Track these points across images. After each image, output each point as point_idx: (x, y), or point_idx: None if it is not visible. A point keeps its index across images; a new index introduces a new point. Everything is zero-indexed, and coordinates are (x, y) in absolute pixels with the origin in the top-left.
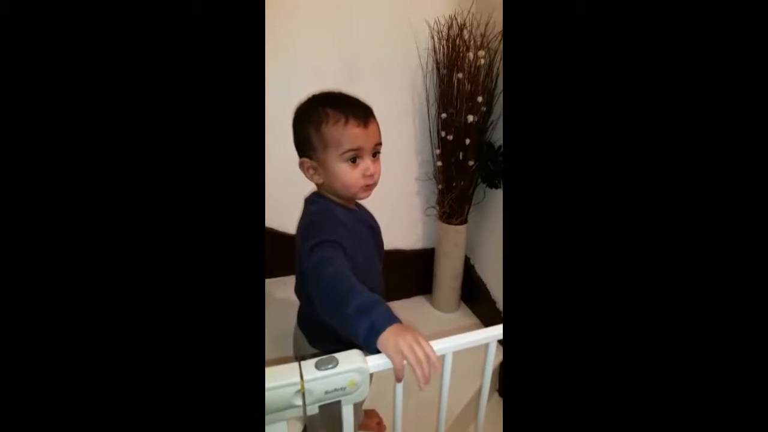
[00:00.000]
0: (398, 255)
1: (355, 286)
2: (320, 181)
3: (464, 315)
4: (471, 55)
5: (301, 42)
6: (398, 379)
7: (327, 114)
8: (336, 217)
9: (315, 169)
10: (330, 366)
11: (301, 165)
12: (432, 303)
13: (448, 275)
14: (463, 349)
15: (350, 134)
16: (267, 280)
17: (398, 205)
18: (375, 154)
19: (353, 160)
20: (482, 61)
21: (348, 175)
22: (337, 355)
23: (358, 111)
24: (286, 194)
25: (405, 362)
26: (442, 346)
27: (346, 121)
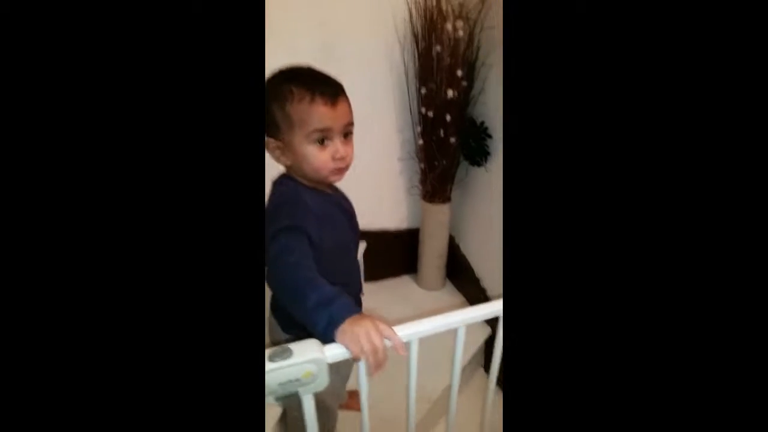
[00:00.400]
0: (383, 235)
1: (314, 279)
2: (288, 162)
3: (449, 293)
4: (449, 26)
5: (274, 15)
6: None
7: (291, 91)
8: (302, 200)
9: (281, 150)
10: (284, 357)
11: (267, 145)
12: (417, 282)
13: (432, 254)
14: (430, 335)
15: (317, 113)
16: None
17: (382, 185)
18: (347, 135)
19: (321, 141)
20: (461, 32)
21: (316, 157)
22: (292, 345)
23: (325, 88)
24: None
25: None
26: (406, 332)
27: (312, 99)
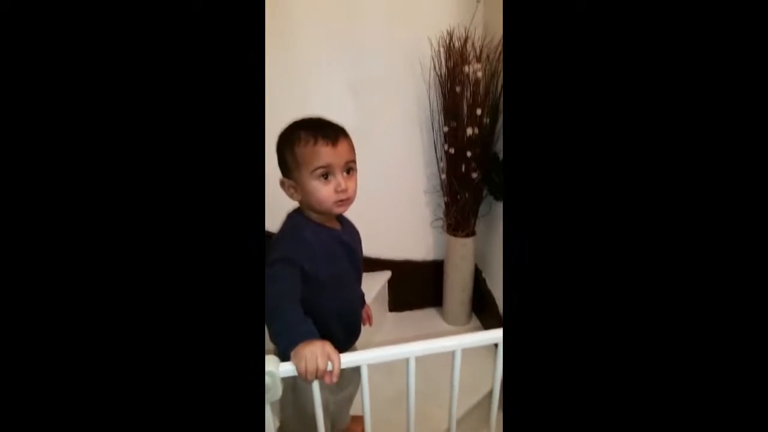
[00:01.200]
0: (408, 266)
1: (287, 308)
2: (299, 198)
3: (474, 329)
4: (468, 69)
5: (309, 55)
6: (306, 380)
7: (299, 136)
8: (300, 234)
9: (294, 188)
10: None
11: (282, 184)
12: (442, 316)
13: (456, 288)
14: (381, 362)
15: (319, 153)
16: None
17: (407, 216)
18: (349, 171)
19: (325, 177)
20: (479, 74)
21: (320, 191)
22: None
23: (327, 131)
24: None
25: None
26: (356, 357)
27: (316, 141)
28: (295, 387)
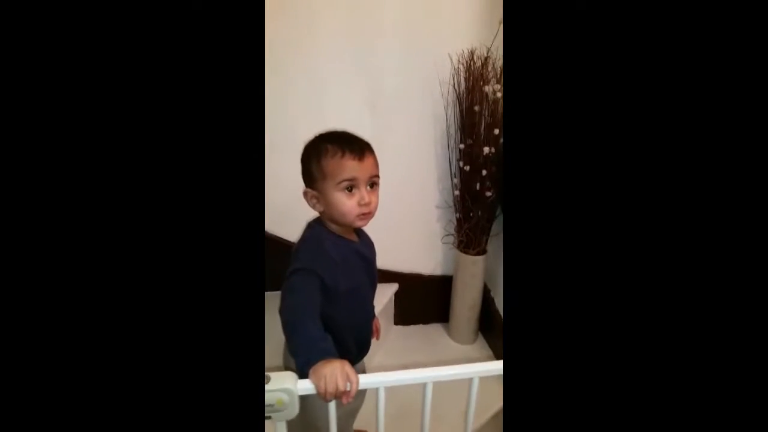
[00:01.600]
0: (417, 279)
1: (306, 322)
2: (321, 209)
3: (480, 348)
4: (488, 88)
5: (327, 69)
6: (325, 400)
7: (326, 148)
8: (322, 245)
9: (317, 198)
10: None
11: (305, 195)
12: (448, 332)
13: (464, 305)
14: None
15: (346, 166)
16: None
17: (418, 230)
18: (372, 185)
19: (349, 189)
20: (499, 94)
21: (344, 203)
22: (271, 373)
23: (354, 145)
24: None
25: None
26: (373, 380)
27: (343, 154)
28: (303, 402)
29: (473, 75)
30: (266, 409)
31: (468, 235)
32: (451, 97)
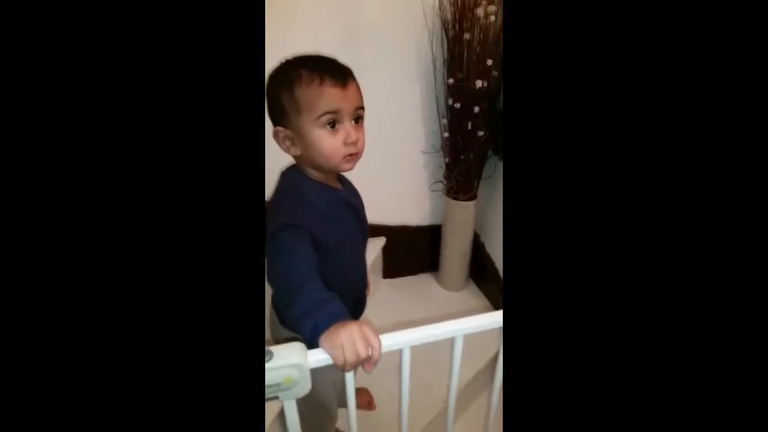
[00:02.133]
0: (404, 231)
1: (306, 284)
2: (297, 152)
3: (472, 294)
4: (480, 11)
5: (298, 2)
6: (344, 370)
7: (300, 74)
8: (306, 196)
9: (291, 139)
10: (264, 360)
11: (275, 135)
12: (438, 281)
13: (455, 253)
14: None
15: (326, 95)
16: None
17: (404, 179)
18: (357, 120)
19: (332, 125)
20: (493, 18)
21: (327, 142)
22: (273, 347)
23: (334, 70)
24: None
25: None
26: (397, 339)
27: (321, 81)
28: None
29: None
30: (271, 389)
31: (458, 181)
32: (437, 25)
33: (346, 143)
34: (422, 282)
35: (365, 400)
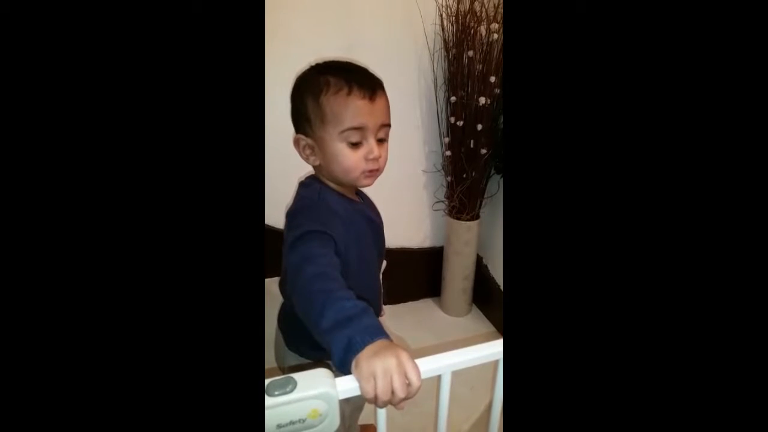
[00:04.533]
0: (404, 254)
1: (336, 292)
2: (317, 162)
3: (476, 319)
4: (483, 29)
5: (300, 20)
6: (376, 406)
7: (328, 81)
8: (329, 205)
9: (311, 148)
10: (285, 390)
11: (296, 143)
12: (441, 306)
13: (457, 276)
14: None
15: (353, 107)
16: (267, 279)
17: (404, 199)
18: (380, 139)
19: (355, 143)
20: (495, 35)
21: (348, 157)
22: (296, 375)
23: (364, 80)
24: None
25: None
26: (438, 364)
27: (350, 91)
28: None
29: (464, 17)
30: (294, 426)
31: (461, 200)
32: (438, 44)
33: (367, 159)
34: (424, 308)
35: None
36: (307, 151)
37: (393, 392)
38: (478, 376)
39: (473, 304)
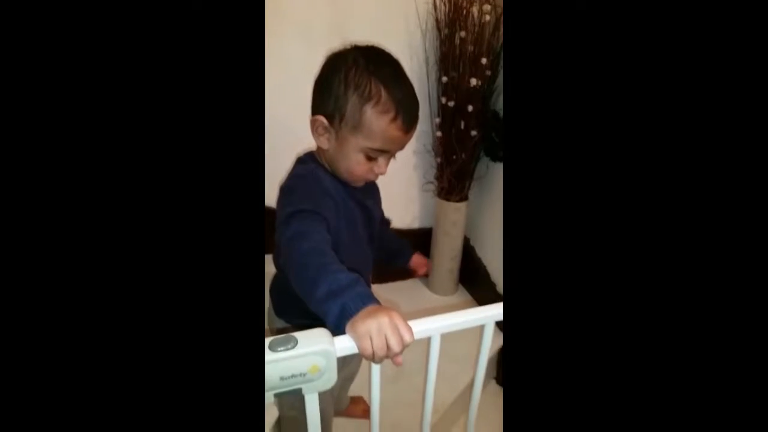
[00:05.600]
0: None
1: (329, 265)
2: (326, 146)
3: (462, 298)
4: (475, 10)
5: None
6: (372, 362)
7: (379, 95)
8: (322, 184)
9: (328, 133)
10: (287, 347)
11: (313, 123)
12: (428, 286)
13: (445, 256)
14: (456, 331)
15: (390, 135)
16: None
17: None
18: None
19: (371, 157)
20: (488, 17)
21: (359, 165)
22: (297, 333)
23: (412, 111)
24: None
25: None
26: (428, 326)
27: (395, 118)
28: None
29: None
30: (296, 379)
31: (450, 181)
32: (430, 23)
33: (372, 171)
34: (412, 287)
35: (361, 408)
36: (321, 132)
37: (388, 348)
38: (462, 351)
39: (459, 284)
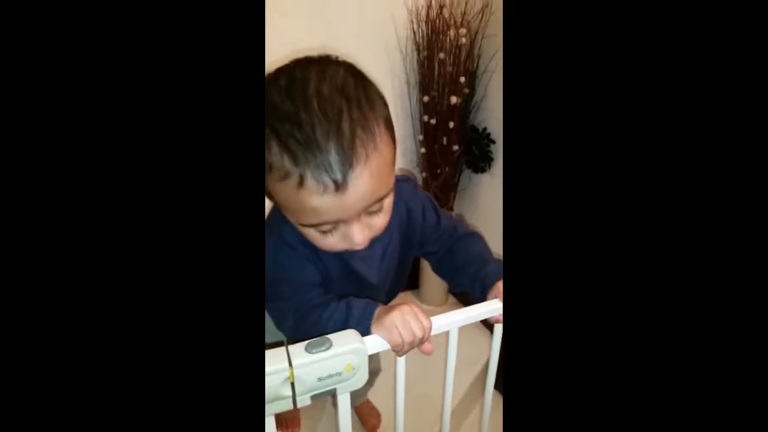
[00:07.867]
0: None
1: (321, 305)
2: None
3: (452, 309)
4: (452, 33)
5: (271, 20)
6: (401, 353)
7: (270, 155)
8: (295, 251)
9: (269, 194)
10: (323, 348)
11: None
12: (419, 297)
13: None
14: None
15: (311, 205)
16: None
17: None
18: (375, 211)
19: (325, 231)
20: (464, 40)
21: (319, 241)
22: (330, 336)
23: (326, 158)
24: None
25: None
26: (447, 320)
27: (300, 183)
28: None
29: (434, 22)
30: (331, 380)
31: (436, 194)
32: (410, 47)
33: (346, 240)
34: (401, 299)
35: (373, 423)
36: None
37: (414, 335)
38: (458, 356)
39: (449, 295)
